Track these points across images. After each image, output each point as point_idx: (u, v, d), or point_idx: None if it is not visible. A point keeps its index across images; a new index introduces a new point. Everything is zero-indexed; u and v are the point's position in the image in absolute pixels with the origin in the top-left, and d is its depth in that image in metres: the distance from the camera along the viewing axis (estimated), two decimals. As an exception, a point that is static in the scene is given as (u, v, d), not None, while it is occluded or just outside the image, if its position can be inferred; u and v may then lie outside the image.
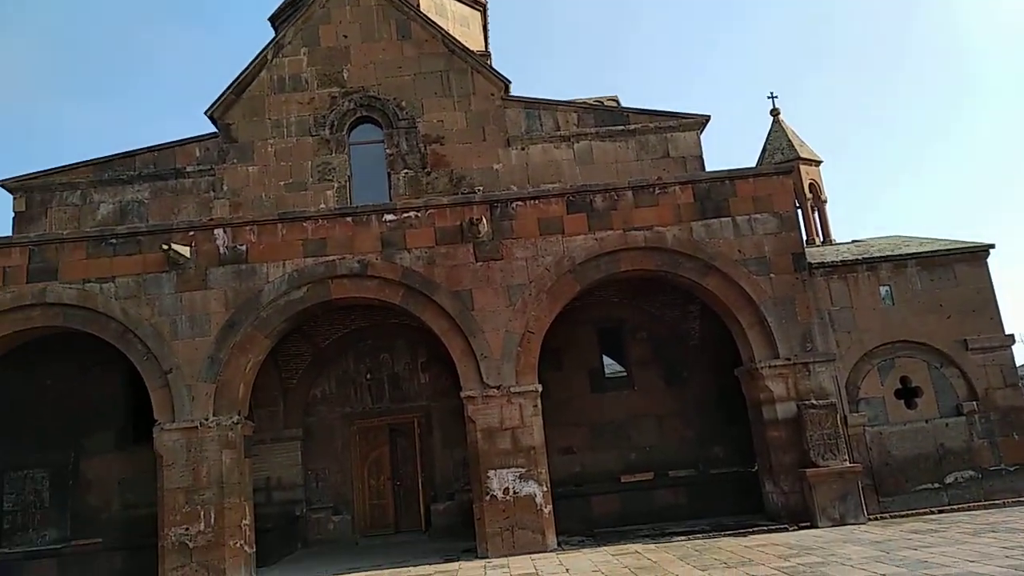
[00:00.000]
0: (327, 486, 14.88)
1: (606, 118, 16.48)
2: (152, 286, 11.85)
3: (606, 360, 15.28)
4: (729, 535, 10.93)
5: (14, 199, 15.57)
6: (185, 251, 11.80)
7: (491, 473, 11.41)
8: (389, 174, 15.98)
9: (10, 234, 14.17)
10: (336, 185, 15.82)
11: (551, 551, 10.98)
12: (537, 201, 12.42)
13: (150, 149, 15.96)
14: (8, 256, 11.78)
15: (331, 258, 12.10)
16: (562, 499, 12.83)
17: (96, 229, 12.63)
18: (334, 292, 12.12)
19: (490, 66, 16.99)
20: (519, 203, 12.41)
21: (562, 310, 12.38)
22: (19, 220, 15.40)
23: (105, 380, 14.34)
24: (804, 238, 14.43)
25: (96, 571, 12.49)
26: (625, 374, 15.13)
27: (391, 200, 14.99)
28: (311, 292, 12.07)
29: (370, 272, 12.09)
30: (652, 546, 10.59)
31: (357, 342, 15.36)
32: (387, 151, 16.08)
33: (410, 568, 10.62)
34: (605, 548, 10.79)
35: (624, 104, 18.98)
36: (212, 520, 11.12)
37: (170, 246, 11.62)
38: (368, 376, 15.36)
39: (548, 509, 11.42)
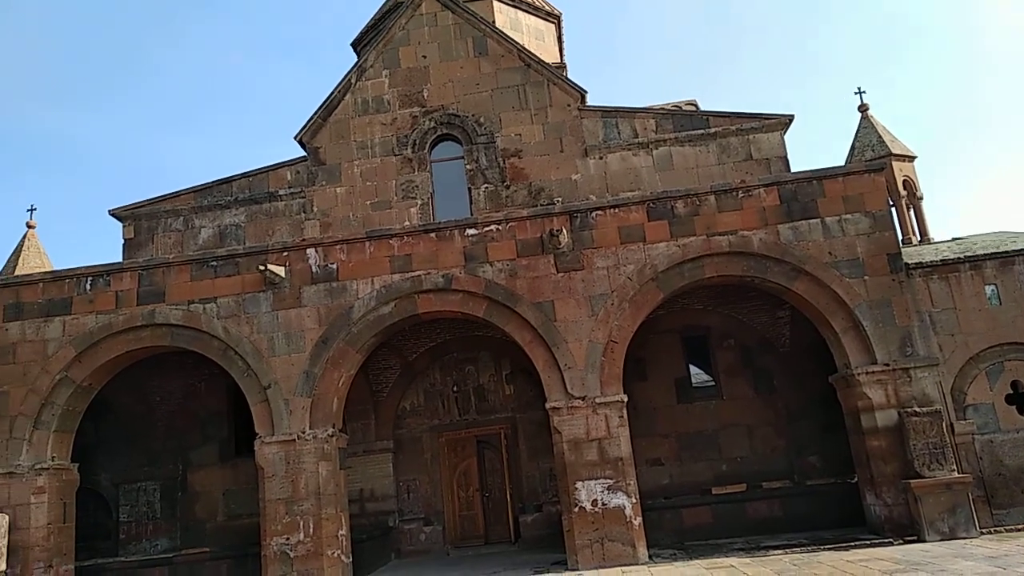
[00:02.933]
0: (418, 497, 15.17)
1: (685, 123, 16.29)
2: (251, 305, 12.43)
3: (692, 369, 15.03)
4: (829, 549, 10.52)
5: (124, 227, 16.68)
6: (280, 271, 12.33)
7: (579, 485, 11.37)
8: (470, 189, 16.26)
9: (121, 260, 15.12)
10: (419, 202, 16.22)
11: (642, 564, 10.84)
12: (617, 210, 12.38)
13: (245, 175, 16.80)
14: (120, 280, 12.60)
15: (417, 273, 12.39)
16: (651, 511, 12.66)
17: (198, 252, 13.34)
18: (420, 307, 12.39)
19: (566, 77, 17.08)
20: (599, 212, 12.39)
21: (645, 319, 12.26)
22: (128, 246, 16.49)
23: (209, 396, 15.16)
24: (899, 238, 13.83)
25: (204, 578, 13.10)
26: (713, 383, 14.84)
27: (472, 214, 15.26)
28: (398, 307, 12.38)
29: (454, 286, 12.30)
30: (747, 560, 10.30)
31: (443, 355, 15.64)
32: (467, 167, 16.38)
33: (501, 579, 10.69)
34: (698, 561, 10.57)
35: (703, 107, 18.74)
36: (311, 530, 11.51)
37: (266, 266, 12.17)
38: (454, 388, 15.61)
39: (638, 521, 11.29)
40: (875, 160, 16.30)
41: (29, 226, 15.34)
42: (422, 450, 15.37)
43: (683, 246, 12.05)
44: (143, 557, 13.96)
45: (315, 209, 16.42)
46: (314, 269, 12.53)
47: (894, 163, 17.41)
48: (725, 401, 14.56)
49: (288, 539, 11.50)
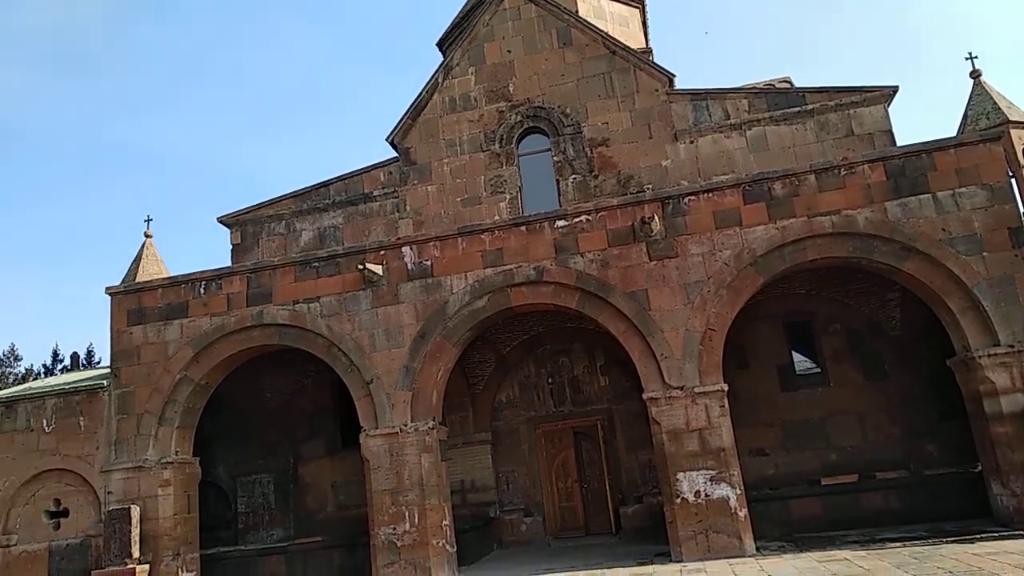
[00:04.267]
0: (517, 488, 15.32)
1: (779, 101, 15.71)
2: (351, 303, 12.85)
3: (796, 356, 14.50)
4: (952, 542, 9.93)
5: (231, 233, 17.58)
6: (378, 269, 12.69)
7: (680, 475, 11.19)
8: (558, 181, 16.24)
9: (230, 264, 15.93)
10: (508, 196, 16.33)
11: (749, 556, 10.57)
12: (711, 194, 12.07)
13: (341, 178, 17.38)
14: (231, 284, 13.29)
15: (508, 267, 12.48)
16: (757, 502, 12.29)
17: (301, 254, 13.90)
18: (513, 300, 12.48)
19: (652, 62, 16.80)
20: (692, 198, 12.12)
21: (744, 305, 11.91)
22: (236, 251, 17.37)
23: (316, 392, 15.80)
24: (1021, 211, 12.85)
25: (317, 567, 13.67)
26: (818, 370, 14.27)
27: (561, 206, 15.23)
28: (492, 301, 12.50)
29: (546, 278, 12.32)
30: (863, 553, 9.86)
31: (536, 347, 15.71)
32: (554, 158, 16.36)
33: (604, 570, 10.65)
34: (809, 554, 10.21)
35: (798, 84, 17.99)
36: (416, 520, 11.82)
37: (365, 265, 12.56)
38: (549, 380, 15.66)
39: (743, 512, 11.01)
40: (991, 129, 15.18)
41: (147, 235, 16.39)
42: (519, 442, 15.50)
43: (782, 229, 11.63)
44: (261, 546, 14.70)
45: (408, 208, 16.80)
46: (410, 266, 12.83)
47: (1012, 131, 16.16)
48: (832, 388, 13.97)
49: (395, 529, 11.85)
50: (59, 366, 31.53)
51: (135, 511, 12.35)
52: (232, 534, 15.59)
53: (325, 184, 17.45)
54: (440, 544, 11.92)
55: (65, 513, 13.11)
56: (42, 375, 30.61)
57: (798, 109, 15.39)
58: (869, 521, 12.24)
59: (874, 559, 9.24)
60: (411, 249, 12.90)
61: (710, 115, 15.88)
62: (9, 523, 13.15)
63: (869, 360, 13.91)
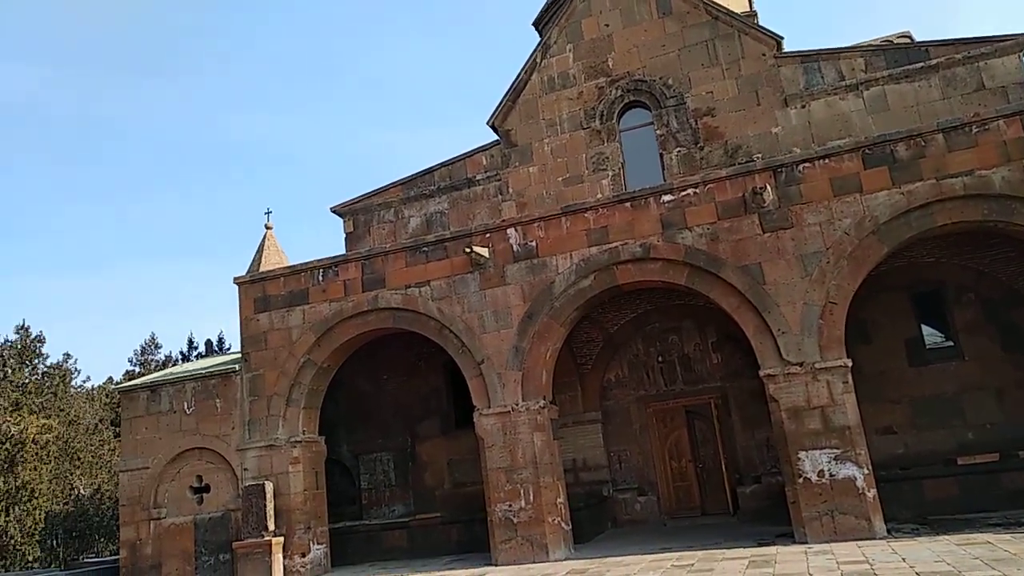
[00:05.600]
0: (630, 467, 15.25)
1: (899, 57, 14.73)
2: (460, 286, 13.11)
3: (925, 329, 13.64)
4: (1111, 526, 9.13)
5: (344, 222, 18.29)
6: (484, 252, 12.88)
7: (801, 455, 10.80)
8: (661, 155, 15.91)
9: (344, 252, 16.56)
10: (610, 173, 16.15)
11: (879, 538, 10.09)
12: (827, 160, 11.48)
13: (444, 164, 17.70)
14: (347, 270, 13.84)
15: (613, 245, 12.35)
16: (885, 483, 11.69)
17: (410, 240, 14.29)
18: (619, 278, 12.35)
19: (757, 25, 16.10)
20: (806, 164, 11.57)
21: (867, 276, 11.29)
22: (349, 239, 18.06)
23: (429, 373, 16.28)
24: None
25: (436, 541, 14.17)
26: (950, 343, 13.38)
27: (665, 180, 14.91)
28: (598, 280, 12.43)
29: (653, 255, 12.11)
30: (1007, 536, 9.22)
31: (644, 325, 15.52)
32: (657, 132, 16.02)
33: (724, 550, 10.48)
34: (945, 537, 9.64)
35: (918, 39, 16.78)
36: (531, 497, 12.01)
37: (472, 248, 12.77)
38: (659, 359, 15.44)
39: (872, 493, 10.50)
40: None
41: (267, 227, 17.28)
42: (630, 421, 15.41)
43: (907, 193, 10.92)
44: (383, 521, 15.36)
45: (510, 190, 16.92)
46: (515, 248, 12.93)
47: None
48: (967, 362, 13.08)
49: (511, 506, 12.09)
50: (194, 353, 33.89)
51: (269, 487, 13.17)
52: (356, 509, 16.37)
53: (430, 171, 17.82)
54: (556, 521, 12.06)
55: (207, 488, 14.13)
56: (179, 361, 33.01)
57: (920, 65, 14.39)
58: (1012, 502, 11.41)
59: (1020, 543, 8.63)
60: (516, 231, 13.00)
61: (823, 77, 15.09)
62: (158, 497, 14.30)
63: (1008, 331, 12.92)
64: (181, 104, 67.71)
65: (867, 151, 11.31)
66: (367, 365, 16.01)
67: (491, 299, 12.88)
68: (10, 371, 26.67)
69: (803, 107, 15.08)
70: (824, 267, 11.11)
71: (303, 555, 13.15)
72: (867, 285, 11.53)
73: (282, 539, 13.04)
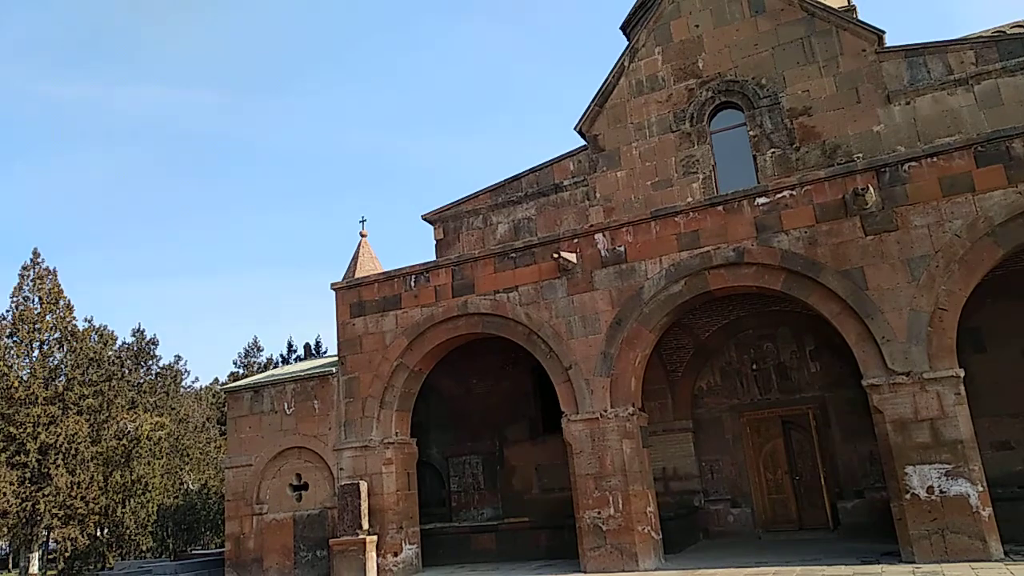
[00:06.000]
0: (722, 478, 14.87)
1: (1014, 49, 13.85)
2: (548, 291, 13.14)
3: (1046, 336, 12.70)
4: None
5: (434, 229, 18.67)
6: (572, 257, 12.86)
7: (909, 470, 10.24)
8: (754, 156, 15.48)
9: (435, 258, 16.90)
10: (701, 176, 15.84)
11: (996, 560, 9.45)
12: (935, 158, 10.87)
13: (531, 171, 17.80)
14: (437, 276, 14.12)
15: (705, 249, 12.09)
16: (1002, 502, 10.90)
17: (498, 246, 14.44)
18: (711, 283, 12.08)
19: (856, 20, 15.48)
20: (912, 164, 10.99)
21: (981, 281, 10.62)
22: (439, 246, 18.42)
23: (517, 378, 16.38)
24: None
25: (525, 546, 14.21)
26: (1076, 352, 12.41)
27: (759, 183, 14.49)
28: (688, 285, 12.20)
29: (746, 259, 11.79)
30: None
31: (737, 332, 15.12)
32: (750, 133, 15.61)
33: (824, 567, 10.06)
34: (1071, 562, 8.95)
35: (1038, 26, 15.67)
36: (620, 505, 11.88)
37: (559, 254, 12.78)
38: (753, 367, 15.00)
39: (987, 512, 9.85)
40: None
41: (362, 235, 17.80)
42: (723, 430, 15.03)
43: (1026, 192, 10.22)
44: (473, 524, 15.54)
45: (598, 195, 16.85)
46: (603, 253, 12.86)
47: None
48: (1095, 373, 12.10)
49: (599, 513, 12.00)
50: (293, 356, 35.30)
51: (363, 486, 13.56)
52: (446, 511, 16.64)
53: (517, 177, 17.96)
54: (645, 531, 11.89)
55: (305, 486, 14.67)
56: (279, 364, 34.45)
57: (1040, 55, 13.43)
58: None
59: None
60: (604, 236, 12.92)
61: (928, 72, 14.33)
62: (260, 494, 14.95)
63: None
64: (294, 120, 70.83)
65: (980, 148, 10.66)
66: (457, 369, 16.26)
67: (579, 304, 12.85)
68: (127, 371, 28.53)
69: (907, 104, 14.37)
70: (933, 271, 10.52)
71: (395, 554, 13.46)
72: (981, 290, 10.86)
73: (376, 538, 13.40)
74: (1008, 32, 15.74)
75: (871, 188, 10.99)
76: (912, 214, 10.83)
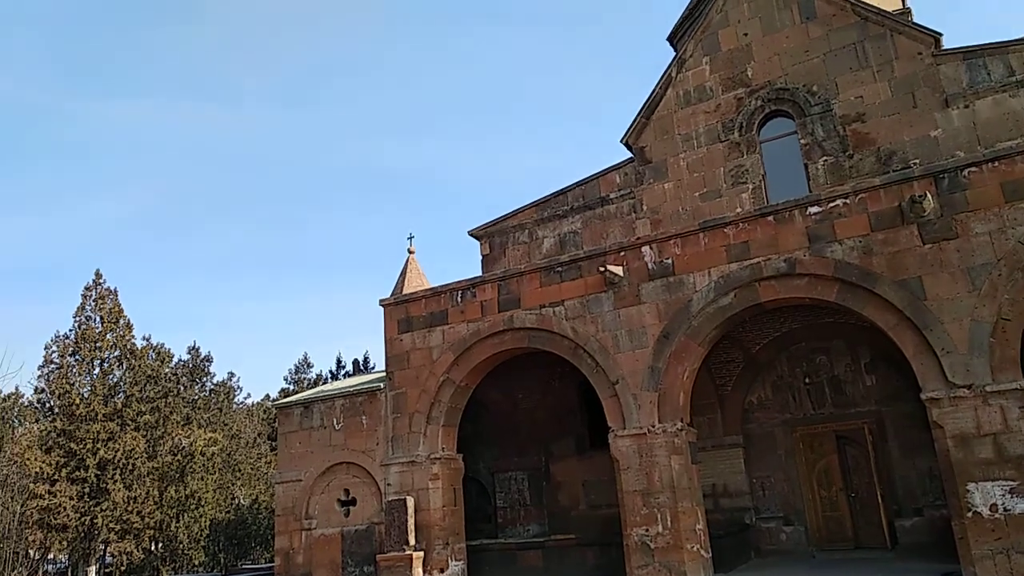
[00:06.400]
0: (774, 495, 14.47)
1: (1081, 46, 13.25)
2: (594, 305, 13.03)
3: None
4: None
5: (480, 244, 18.75)
6: (618, 271, 12.74)
7: (970, 487, 9.80)
8: (806, 165, 15.17)
9: (481, 274, 16.97)
10: (750, 186, 15.58)
11: (1068, 583, 8.97)
12: (997, 163, 10.46)
13: (578, 184, 17.77)
14: (484, 291, 14.13)
15: (755, 260, 11.84)
16: (1076, 521, 10.37)
17: (544, 260, 14.40)
18: (762, 295, 11.82)
19: (912, 23, 15.11)
20: (972, 169, 10.60)
21: (1048, 290, 10.15)
22: (485, 261, 18.48)
23: (563, 392, 16.25)
24: None
25: (572, 563, 14.02)
26: None
27: (810, 191, 14.18)
28: (738, 297, 11.95)
29: (798, 270, 11.50)
30: None
31: (789, 344, 14.74)
32: (801, 141, 15.30)
33: (882, 587, 9.68)
34: None
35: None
36: (668, 523, 11.62)
37: (606, 267, 12.67)
38: (806, 380, 14.60)
39: (1057, 532, 9.36)
40: None
41: (410, 251, 17.99)
42: (774, 446, 14.63)
43: (1095, 196, 9.75)
44: (519, 540, 15.41)
45: (644, 208, 16.70)
46: (650, 266, 12.70)
47: None
48: None
49: (647, 530, 11.77)
50: (342, 372, 35.78)
51: (410, 502, 13.58)
52: (492, 527, 16.54)
53: (563, 191, 17.94)
54: (695, 549, 11.60)
55: (353, 502, 14.76)
56: (329, 380, 34.95)
57: (1108, 53, 12.87)
58: None
59: None
60: (651, 248, 12.77)
61: (989, 74, 13.86)
62: (309, 509, 15.09)
63: None
64: (337, 133, 72.36)
65: (1045, 151, 10.22)
66: (503, 384, 16.22)
67: (625, 318, 12.70)
68: (183, 388, 29.29)
69: (966, 107, 13.91)
70: (995, 280, 10.10)
71: (442, 570, 13.42)
72: (1048, 300, 10.35)
73: (422, 554, 13.37)
74: (1072, 31, 15.15)
75: (929, 195, 10.63)
76: (972, 221, 10.43)
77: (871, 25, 14.96)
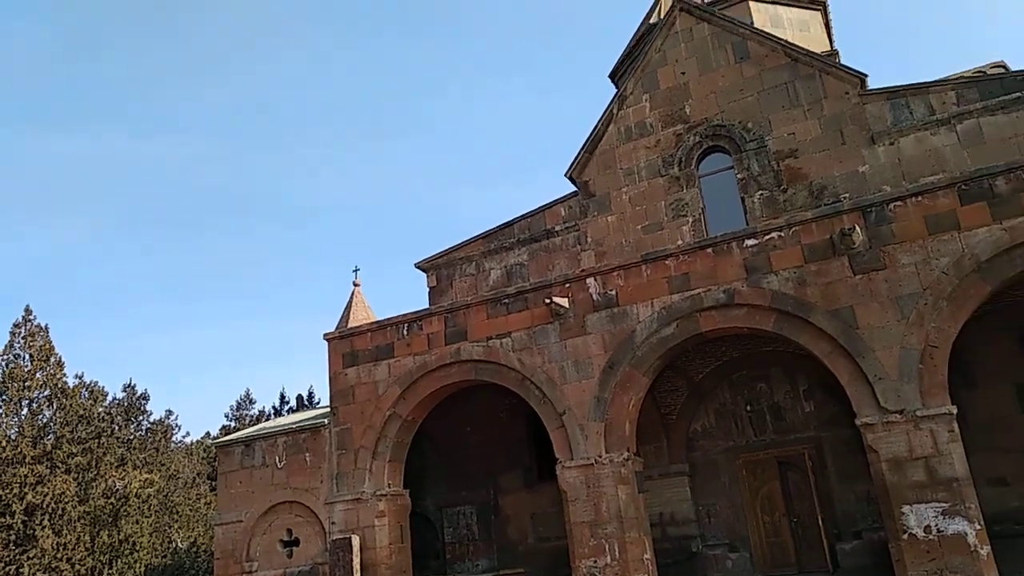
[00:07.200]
0: (719, 522, 14.64)
1: (994, 89, 14.14)
2: (540, 337, 13.12)
3: (1038, 371, 12.70)
4: None
5: (427, 276, 18.72)
6: (564, 302, 12.88)
7: (905, 509, 10.13)
8: (743, 198, 15.66)
9: (428, 306, 16.90)
10: (690, 219, 15.98)
11: (999, 601, 9.29)
12: (920, 197, 11.02)
13: (523, 217, 17.96)
14: (430, 324, 14.09)
15: (696, 291, 12.14)
16: (999, 539, 10.76)
17: (491, 292, 14.45)
18: (703, 325, 12.10)
19: (839, 64, 15.83)
20: (897, 203, 11.13)
21: (970, 317, 10.66)
22: (432, 294, 18.44)
23: (511, 424, 16.21)
24: None
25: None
26: (1068, 387, 12.39)
27: (748, 224, 14.63)
28: (680, 327, 12.20)
29: (737, 301, 11.83)
30: None
31: (731, 373, 15.06)
32: (738, 176, 15.81)
33: (824, 611, 9.85)
34: (1076, 602, 8.78)
35: (1014, 68, 16.07)
36: (616, 553, 11.65)
37: (551, 299, 12.80)
38: (747, 408, 14.90)
39: (985, 551, 9.71)
40: None
41: (355, 284, 17.84)
42: (719, 473, 14.84)
43: (1010, 229, 10.34)
44: None
45: (589, 240, 16.95)
46: (595, 297, 12.88)
47: None
48: (1089, 407, 12.06)
49: (596, 562, 11.76)
50: (286, 407, 34.96)
51: (355, 541, 13.29)
52: (440, 563, 16.28)
53: (509, 224, 18.09)
54: (643, 579, 11.64)
55: (296, 542, 14.36)
56: (272, 416, 34.09)
57: (1017, 95, 13.75)
58: None
59: None
60: (595, 280, 12.97)
61: (911, 112, 14.61)
62: (251, 551, 14.62)
63: None
64: (285, 172, 71.58)
65: (963, 186, 10.81)
66: (450, 417, 16.10)
67: (572, 349, 12.81)
68: (117, 428, 28.15)
69: (891, 144, 14.61)
70: (922, 309, 10.57)
71: (389, 609, 13.12)
72: (970, 327, 10.89)
73: (369, 593, 13.07)
74: (988, 72, 16.14)
75: (858, 228, 11.10)
76: (899, 252, 10.93)
77: (801, 66, 15.66)
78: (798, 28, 18.75)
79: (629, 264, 12.85)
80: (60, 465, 23.69)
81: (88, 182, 68.78)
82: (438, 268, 18.59)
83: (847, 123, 15.02)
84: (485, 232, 18.30)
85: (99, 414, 26.26)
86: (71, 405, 24.91)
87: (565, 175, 17.60)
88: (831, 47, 19.02)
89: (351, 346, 14.73)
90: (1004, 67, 16.94)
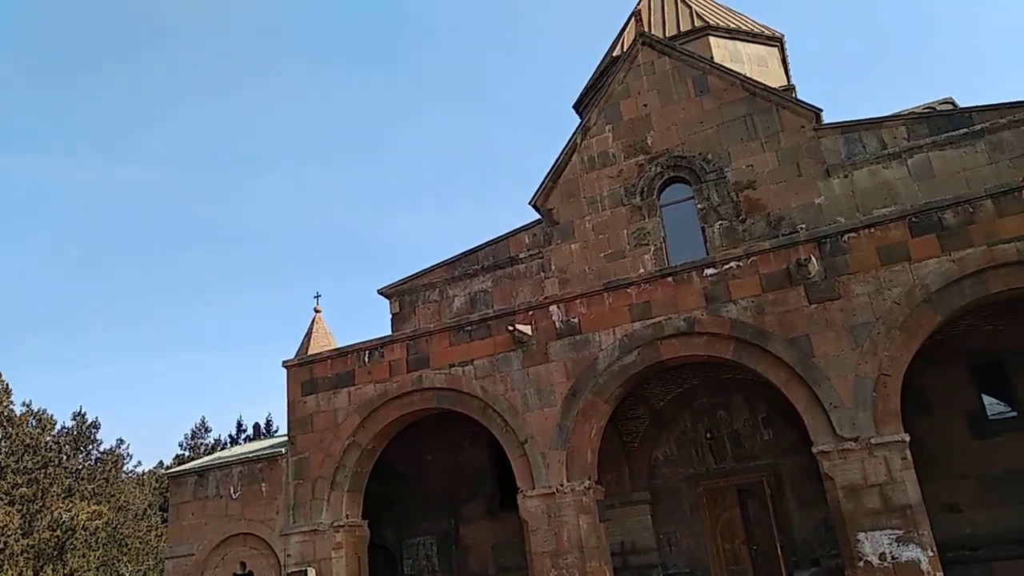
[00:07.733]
0: (680, 550, 14.60)
1: (943, 124, 14.64)
2: (503, 364, 13.08)
3: (987, 399, 13.02)
4: None
5: (390, 303, 18.57)
6: (527, 330, 12.88)
7: (861, 536, 10.26)
8: (703, 228, 15.90)
9: (390, 333, 16.76)
10: (652, 248, 16.16)
11: (953, 628, 9.42)
12: (872, 229, 11.32)
13: (487, 244, 17.98)
14: (392, 351, 13.96)
15: (657, 320, 12.25)
16: (952, 565, 10.95)
17: (454, 320, 14.40)
18: (664, 353, 12.19)
19: (795, 99, 16.28)
20: (851, 235, 11.42)
21: (921, 346, 10.93)
22: (395, 320, 18.29)
23: (473, 453, 16.05)
24: None
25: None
26: (1013, 413, 12.71)
27: (708, 254, 14.85)
28: (642, 355, 12.28)
29: (697, 329, 11.96)
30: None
31: (692, 400, 15.14)
32: (698, 206, 16.06)
33: (784, 640, 9.86)
34: (1027, 627, 8.93)
35: (962, 105, 16.71)
36: (577, 583, 11.55)
37: (515, 327, 12.79)
38: (708, 435, 14.97)
39: (939, 577, 9.86)
40: None
41: (316, 311, 17.66)
42: (680, 501, 14.84)
43: (959, 260, 10.66)
44: (429, 608, 14.91)
45: (553, 267, 17.03)
46: (558, 325, 12.91)
47: None
48: (1036, 434, 12.38)
49: (557, 592, 11.63)
50: (243, 436, 34.18)
51: (312, 573, 12.97)
52: (399, 596, 15.94)
53: (473, 251, 18.10)
54: (604, 609, 11.55)
55: (250, 575, 13.96)
56: (228, 445, 33.29)
57: (965, 131, 14.25)
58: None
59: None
60: (558, 308, 13.01)
61: (864, 146, 15.06)
62: (203, 584, 14.18)
63: (1080, 401, 12.24)
64: (245, 198, 70.79)
65: (914, 219, 11.15)
66: (411, 446, 15.90)
67: (534, 377, 12.79)
68: (65, 457, 27.23)
69: (846, 177, 15.01)
70: (875, 338, 10.80)
71: (346, 644, 12.79)
72: (922, 355, 11.16)
73: (325, 627, 12.74)
74: (938, 108, 16.75)
75: (813, 258, 11.34)
76: (853, 283, 11.18)
77: (759, 100, 16.06)
78: (756, 63, 19.26)
79: (592, 292, 12.93)
80: (3, 497, 22.81)
81: (38, 208, 67.27)
82: (401, 295, 18.47)
83: (803, 156, 15.41)
84: (449, 259, 18.28)
85: (47, 443, 25.42)
86: (17, 434, 24.09)
87: (529, 203, 17.71)
88: (788, 82, 19.57)
89: (311, 373, 14.51)
90: (952, 103, 17.62)
